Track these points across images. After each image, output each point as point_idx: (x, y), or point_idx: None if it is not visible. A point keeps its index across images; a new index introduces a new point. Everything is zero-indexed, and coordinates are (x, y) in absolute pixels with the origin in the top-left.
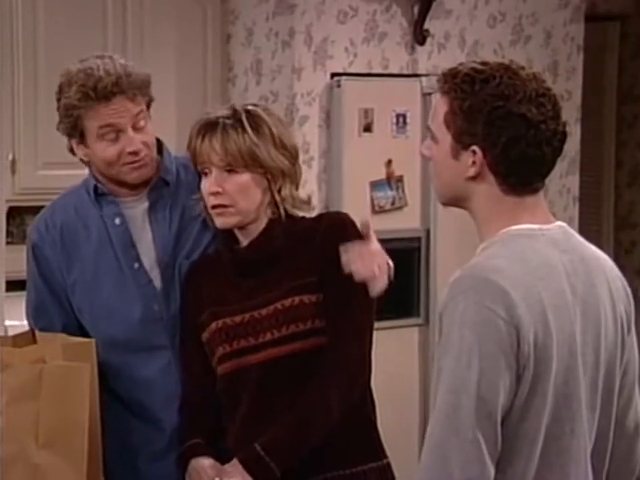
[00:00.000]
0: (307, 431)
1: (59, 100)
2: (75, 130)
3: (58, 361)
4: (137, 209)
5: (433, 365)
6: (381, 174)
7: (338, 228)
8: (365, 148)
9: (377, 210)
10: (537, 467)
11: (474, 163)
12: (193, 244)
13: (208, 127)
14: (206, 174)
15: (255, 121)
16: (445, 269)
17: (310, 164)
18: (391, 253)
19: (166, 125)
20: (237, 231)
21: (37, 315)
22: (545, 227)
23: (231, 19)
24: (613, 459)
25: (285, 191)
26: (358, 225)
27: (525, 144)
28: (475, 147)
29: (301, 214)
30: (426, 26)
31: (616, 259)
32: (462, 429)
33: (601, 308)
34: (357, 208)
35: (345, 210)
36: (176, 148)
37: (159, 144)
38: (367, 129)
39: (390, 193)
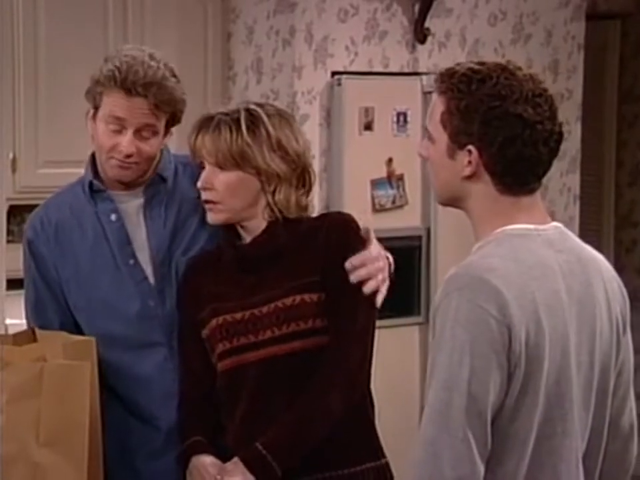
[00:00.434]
0: (307, 430)
1: (99, 70)
2: (94, 102)
3: (58, 360)
4: (131, 204)
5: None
6: (382, 172)
7: (341, 228)
8: (366, 146)
9: (378, 208)
10: (528, 467)
11: (470, 162)
12: (189, 241)
13: (204, 123)
14: (204, 168)
15: (253, 121)
16: (446, 268)
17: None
18: (391, 251)
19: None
20: (239, 228)
21: (35, 312)
22: (540, 227)
23: (231, 17)
24: (607, 459)
25: (280, 195)
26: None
27: (521, 144)
28: (471, 147)
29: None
30: (427, 24)
31: (617, 258)
32: (453, 426)
33: (597, 308)
34: (357, 206)
35: (345, 208)
36: (176, 146)
37: None
38: (368, 127)
39: (391, 192)
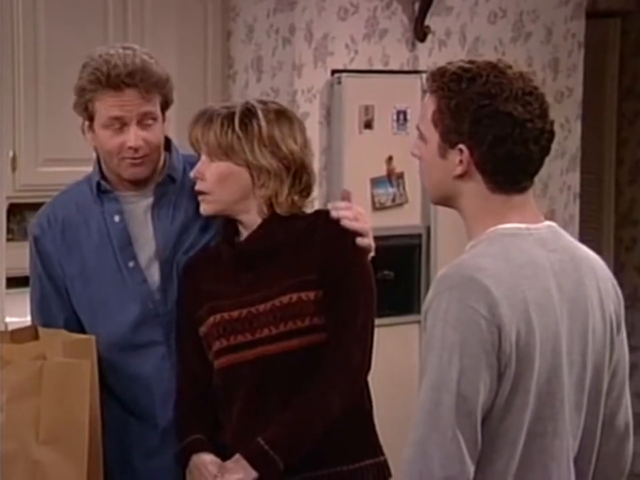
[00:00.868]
0: (307, 429)
1: (79, 79)
2: (85, 112)
3: (58, 358)
4: (139, 204)
5: None
6: (382, 171)
7: (338, 226)
8: (366, 145)
9: (378, 207)
10: (518, 466)
11: (461, 161)
12: (193, 241)
13: (200, 115)
14: None
15: (247, 115)
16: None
17: None
18: (391, 249)
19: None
20: (238, 225)
21: (39, 309)
22: (532, 226)
23: (231, 15)
24: (601, 459)
25: (267, 191)
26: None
27: (511, 142)
28: (461, 146)
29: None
30: (427, 22)
31: (616, 257)
32: (443, 426)
33: (589, 307)
34: (357, 205)
35: None
36: (176, 144)
37: (167, 142)
38: (368, 125)
39: (390, 190)
